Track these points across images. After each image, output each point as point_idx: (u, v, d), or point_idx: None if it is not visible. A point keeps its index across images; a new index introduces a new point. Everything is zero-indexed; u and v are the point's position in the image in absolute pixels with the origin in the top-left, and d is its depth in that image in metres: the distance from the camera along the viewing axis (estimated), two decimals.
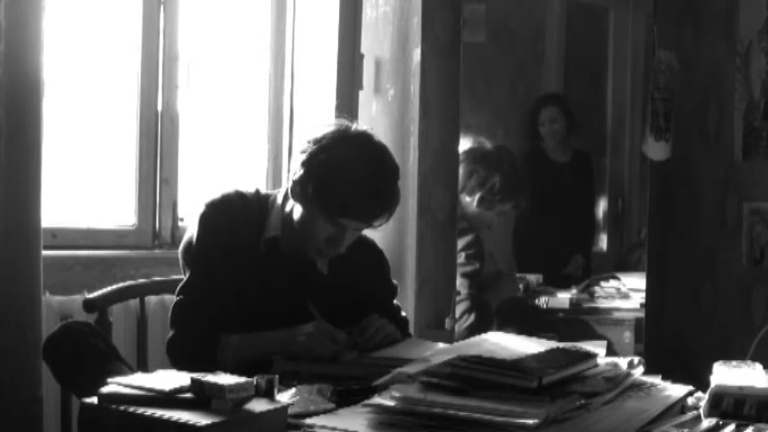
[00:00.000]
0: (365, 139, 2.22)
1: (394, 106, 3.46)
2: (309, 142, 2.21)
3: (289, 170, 2.29)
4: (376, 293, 2.39)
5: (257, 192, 2.34)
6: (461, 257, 3.40)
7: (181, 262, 2.32)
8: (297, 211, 2.24)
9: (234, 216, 2.26)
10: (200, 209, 2.29)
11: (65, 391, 2.29)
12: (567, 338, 1.99)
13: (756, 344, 3.08)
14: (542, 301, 3.52)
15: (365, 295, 2.33)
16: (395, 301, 2.47)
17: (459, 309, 3.37)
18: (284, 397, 1.73)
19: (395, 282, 2.49)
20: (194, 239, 2.26)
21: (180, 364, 2.05)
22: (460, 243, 3.41)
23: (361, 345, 2.14)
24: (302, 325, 2.14)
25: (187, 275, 2.26)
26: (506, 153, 3.50)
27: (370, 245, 2.45)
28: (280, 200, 2.30)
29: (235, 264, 2.22)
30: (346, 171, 2.15)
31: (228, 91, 3.42)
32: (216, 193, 2.30)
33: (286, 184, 2.33)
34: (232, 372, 1.73)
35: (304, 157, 2.20)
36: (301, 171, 2.19)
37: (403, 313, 2.48)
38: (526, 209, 3.58)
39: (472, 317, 3.36)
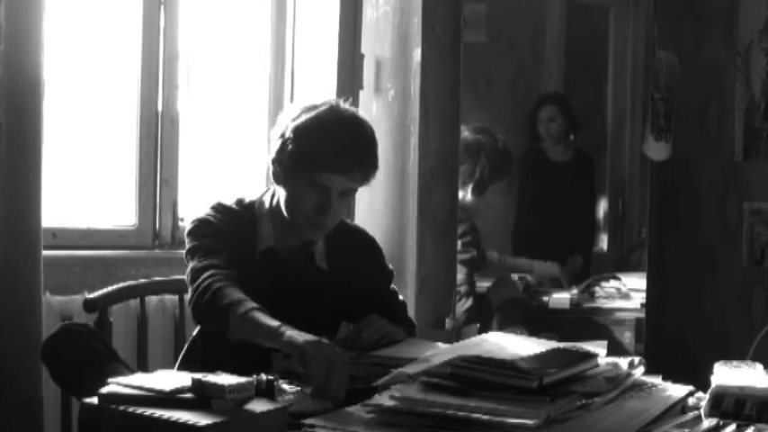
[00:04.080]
0: (335, 105, 2.25)
1: (394, 106, 3.46)
2: (278, 124, 2.26)
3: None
4: (372, 279, 2.39)
5: (240, 202, 2.32)
6: (458, 246, 3.41)
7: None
8: (282, 194, 2.25)
9: (222, 226, 2.24)
10: (188, 226, 2.27)
11: (64, 391, 2.29)
12: (568, 339, 1.99)
13: (757, 344, 3.07)
14: (545, 299, 3.52)
15: (364, 283, 2.34)
16: (392, 286, 2.47)
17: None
18: (287, 396, 1.73)
19: (390, 266, 2.49)
20: (188, 249, 2.23)
21: (200, 317, 2.11)
22: (457, 231, 3.43)
23: (358, 344, 2.13)
24: (322, 341, 1.95)
25: (192, 255, 2.20)
26: (485, 135, 3.49)
27: (360, 233, 2.46)
28: (267, 206, 2.30)
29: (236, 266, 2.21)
30: (317, 129, 2.18)
31: (228, 91, 3.42)
32: (199, 211, 2.28)
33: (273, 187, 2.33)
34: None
35: (276, 137, 2.24)
36: (276, 151, 2.22)
37: (401, 298, 2.48)
38: (527, 207, 3.59)
39: (469, 301, 3.38)
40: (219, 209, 2.28)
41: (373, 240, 2.48)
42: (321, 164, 2.17)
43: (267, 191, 2.34)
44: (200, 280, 2.11)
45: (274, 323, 1.97)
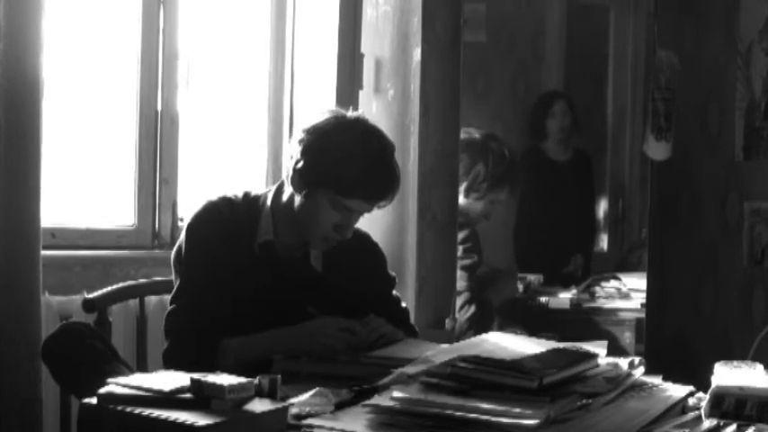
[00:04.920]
0: (362, 122, 2.24)
1: (394, 106, 3.46)
2: (306, 132, 2.22)
3: (284, 165, 2.28)
4: (374, 286, 2.39)
5: (246, 195, 2.33)
6: (459, 251, 3.41)
7: (173, 271, 2.32)
8: (297, 202, 2.24)
9: (221, 223, 2.25)
10: (188, 219, 2.30)
11: (64, 391, 2.29)
12: (568, 339, 1.99)
13: (757, 344, 3.07)
14: (544, 299, 3.52)
15: (363, 289, 2.33)
16: (394, 293, 2.47)
17: (458, 301, 3.37)
18: (303, 398, 1.73)
19: (392, 273, 2.48)
20: (183, 250, 2.27)
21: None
22: (458, 237, 3.42)
23: (356, 345, 2.13)
24: (311, 321, 2.15)
25: (177, 284, 2.26)
26: (494, 141, 3.48)
27: (363, 237, 2.45)
28: (269, 202, 2.30)
29: (227, 270, 2.21)
30: (349, 154, 2.17)
31: (228, 90, 3.42)
32: (202, 202, 2.31)
33: (279, 182, 2.33)
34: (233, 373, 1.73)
35: (303, 146, 2.20)
36: (303, 160, 2.19)
37: (403, 304, 2.48)
38: (527, 207, 3.59)
39: (472, 308, 3.37)
40: (218, 204, 2.30)
41: (375, 246, 2.47)
42: (350, 191, 2.17)
43: (272, 188, 2.34)
44: (169, 342, 2.20)
45: (266, 341, 2.14)
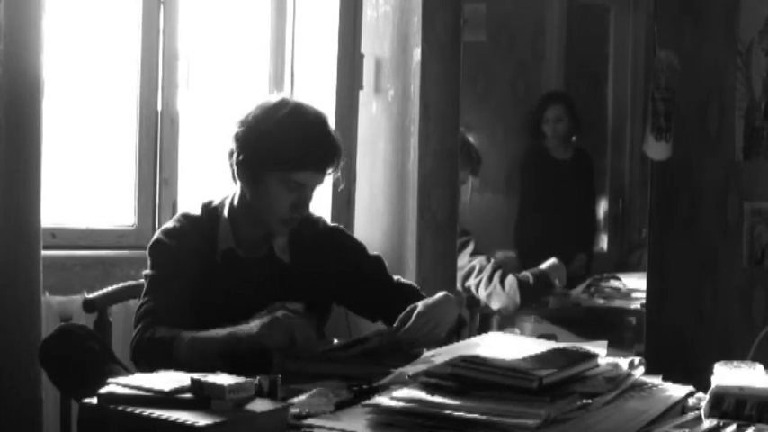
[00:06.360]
0: (289, 101, 2.27)
1: (394, 106, 3.45)
2: (237, 124, 2.26)
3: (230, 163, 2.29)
4: (366, 273, 2.42)
5: (206, 206, 2.35)
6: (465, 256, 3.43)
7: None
8: (249, 195, 2.26)
9: (181, 239, 2.28)
10: (152, 240, 2.32)
11: (63, 393, 2.28)
12: (569, 339, 1.99)
13: (757, 344, 3.07)
14: (545, 299, 3.52)
15: (349, 279, 2.37)
16: (395, 277, 2.49)
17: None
18: (303, 398, 1.73)
19: (375, 253, 2.50)
20: (148, 267, 2.29)
21: (141, 364, 2.09)
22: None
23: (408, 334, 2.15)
24: (261, 319, 2.09)
25: (144, 287, 2.27)
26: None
27: (334, 229, 2.47)
28: (227, 209, 2.32)
29: (190, 280, 2.22)
30: (285, 130, 2.20)
31: (228, 90, 3.42)
32: (164, 226, 2.35)
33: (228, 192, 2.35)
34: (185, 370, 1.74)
35: (238, 138, 2.24)
36: (242, 151, 2.23)
37: (404, 280, 2.52)
38: (529, 205, 3.60)
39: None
40: (176, 223, 2.32)
41: (347, 237, 2.49)
42: (296, 164, 2.19)
43: (228, 198, 2.36)
44: (137, 329, 2.17)
45: (225, 331, 2.06)
